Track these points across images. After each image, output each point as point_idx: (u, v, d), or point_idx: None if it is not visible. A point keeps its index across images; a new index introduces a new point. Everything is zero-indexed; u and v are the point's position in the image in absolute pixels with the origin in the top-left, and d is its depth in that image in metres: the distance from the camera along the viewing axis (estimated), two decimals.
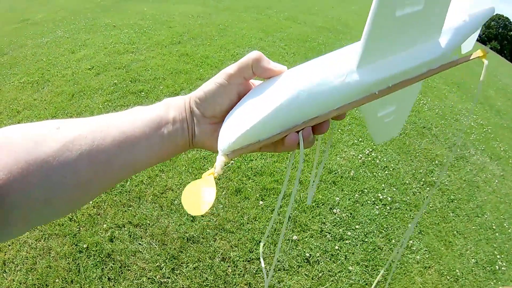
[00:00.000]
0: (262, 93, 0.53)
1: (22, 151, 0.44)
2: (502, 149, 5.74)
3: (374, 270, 2.80)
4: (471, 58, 0.56)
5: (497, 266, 3.26)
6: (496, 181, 4.69)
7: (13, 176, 0.42)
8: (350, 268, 2.77)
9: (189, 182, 0.54)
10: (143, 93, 4.57)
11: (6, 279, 2.34)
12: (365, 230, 3.14)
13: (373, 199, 3.54)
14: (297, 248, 2.80)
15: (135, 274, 2.43)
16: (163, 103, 0.58)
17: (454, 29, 0.57)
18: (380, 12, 0.45)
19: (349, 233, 3.05)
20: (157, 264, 2.51)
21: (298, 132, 0.51)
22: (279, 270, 2.62)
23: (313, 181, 0.68)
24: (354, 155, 4.07)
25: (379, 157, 4.23)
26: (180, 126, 0.56)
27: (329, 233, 3.00)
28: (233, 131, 0.51)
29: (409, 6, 0.46)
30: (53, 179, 0.45)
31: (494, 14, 0.62)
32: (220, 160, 0.52)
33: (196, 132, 0.57)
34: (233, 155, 0.52)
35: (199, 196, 0.49)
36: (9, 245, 2.53)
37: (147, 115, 0.54)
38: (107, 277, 2.40)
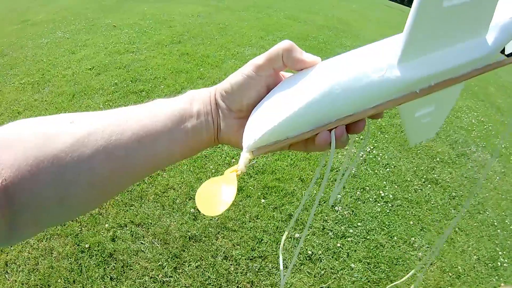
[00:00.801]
0: (292, 86, 0.50)
1: (32, 147, 0.42)
2: (503, 146, 5.74)
3: (376, 268, 2.80)
4: None
5: (499, 263, 3.25)
6: (498, 178, 4.68)
7: (22, 174, 0.40)
8: (352, 265, 2.76)
9: (207, 180, 0.51)
10: (143, 92, 4.57)
11: (8, 280, 2.34)
12: (367, 227, 3.14)
13: (375, 197, 3.54)
14: (300, 246, 2.79)
15: (137, 273, 2.43)
16: (186, 95, 0.55)
17: (501, 26, 0.50)
18: (426, 2, 0.41)
19: (351, 231, 3.05)
20: (159, 263, 2.51)
21: (330, 130, 0.48)
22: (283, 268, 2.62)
23: (339, 182, 0.66)
24: (355, 152, 4.07)
25: (381, 154, 4.23)
26: (204, 119, 0.53)
27: (331, 231, 3.00)
28: (259, 126, 0.48)
29: None
30: (66, 177, 0.43)
31: None
32: (244, 157, 0.49)
33: (221, 127, 0.54)
34: (259, 153, 0.49)
35: (217, 195, 0.47)
36: (11, 246, 2.53)
37: (169, 108, 0.52)
38: (109, 276, 2.40)
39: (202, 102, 0.53)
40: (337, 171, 3.74)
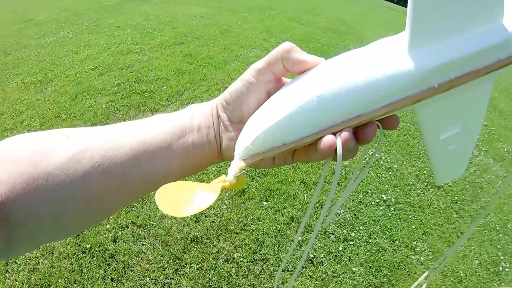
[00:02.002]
0: (292, 86, 0.45)
1: (27, 163, 0.41)
2: (505, 150, 5.72)
3: (378, 272, 2.80)
4: None
5: (500, 268, 3.24)
6: (500, 182, 4.67)
7: (17, 191, 0.39)
8: (354, 269, 2.76)
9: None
10: (146, 93, 4.57)
11: (8, 279, 2.34)
12: (369, 231, 3.14)
13: (377, 200, 3.53)
14: (301, 249, 2.79)
15: (138, 274, 2.43)
16: (188, 109, 0.53)
17: None
18: None
19: (353, 234, 3.05)
20: (161, 264, 2.50)
21: (335, 134, 0.41)
22: (282, 271, 2.62)
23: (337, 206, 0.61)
24: (358, 155, 4.06)
25: (383, 158, 4.22)
26: (206, 133, 0.50)
27: (333, 234, 3.00)
28: (252, 130, 0.44)
29: None
30: (60, 195, 0.41)
31: None
32: (235, 165, 0.45)
33: (223, 140, 0.51)
34: (252, 161, 0.44)
35: (189, 197, 0.42)
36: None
37: (169, 122, 0.49)
38: (110, 277, 2.40)
39: (204, 115, 0.51)
40: (345, 176, 3.73)
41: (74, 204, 0.43)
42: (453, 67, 0.39)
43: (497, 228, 3.73)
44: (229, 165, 0.47)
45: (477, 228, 3.64)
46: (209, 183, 0.46)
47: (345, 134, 0.41)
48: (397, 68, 0.39)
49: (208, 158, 0.52)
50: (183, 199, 0.42)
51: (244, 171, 0.47)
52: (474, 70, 0.40)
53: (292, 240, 2.84)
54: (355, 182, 0.59)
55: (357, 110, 0.40)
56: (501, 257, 3.36)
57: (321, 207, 3.19)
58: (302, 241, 2.85)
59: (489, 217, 3.86)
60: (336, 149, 0.41)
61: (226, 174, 0.46)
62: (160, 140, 0.47)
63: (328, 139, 0.41)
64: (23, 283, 2.31)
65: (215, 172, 3.33)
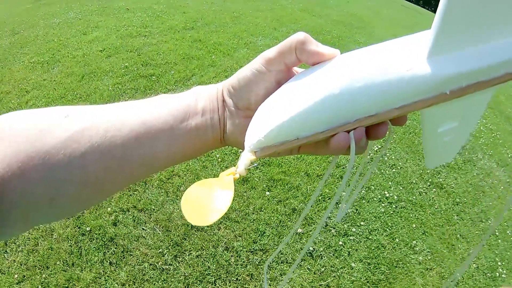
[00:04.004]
0: (306, 80, 0.44)
1: (23, 142, 0.39)
2: (509, 155, 5.71)
3: (376, 268, 2.80)
4: None
5: (497, 273, 3.24)
6: (502, 187, 4.67)
7: (12, 170, 0.38)
8: (352, 264, 2.76)
9: (198, 180, 0.45)
10: (154, 77, 4.56)
11: (7, 259, 2.34)
12: (370, 227, 3.13)
13: (379, 197, 3.53)
14: (301, 241, 2.79)
15: (137, 259, 2.43)
16: (192, 91, 0.51)
17: None
18: None
19: (353, 229, 3.04)
20: (160, 250, 2.50)
21: (348, 132, 0.42)
22: (281, 262, 2.62)
23: (347, 198, 0.61)
24: (367, 154, 4.05)
25: (388, 154, 4.21)
26: (210, 117, 0.49)
27: (334, 228, 3.00)
28: (265, 122, 0.43)
29: None
30: (57, 175, 0.40)
31: None
32: (246, 157, 0.44)
33: (227, 126, 0.50)
34: (263, 154, 0.44)
35: (209, 200, 0.41)
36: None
37: (172, 103, 0.48)
38: (108, 261, 2.40)
39: (208, 99, 0.50)
40: (343, 168, 3.73)
41: (71, 185, 0.42)
42: (467, 77, 0.40)
43: (496, 233, 3.73)
44: (234, 152, 0.46)
45: (476, 232, 3.64)
46: (217, 175, 0.45)
47: (359, 133, 0.42)
48: (416, 73, 0.39)
49: (210, 142, 0.51)
50: (205, 205, 0.42)
51: (255, 164, 0.47)
52: (484, 81, 0.41)
53: (293, 232, 2.84)
54: (364, 178, 0.61)
55: (372, 109, 0.41)
56: (499, 263, 3.36)
57: (324, 201, 3.19)
58: (302, 233, 2.85)
59: (490, 222, 3.86)
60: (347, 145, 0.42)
61: (234, 166, 0.45)
62: (162, 122, 0.46)
63: (342, 137, 0.41)
64: (21, 264, 2.32)
65: (219, 160, 3.33)
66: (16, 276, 2.27)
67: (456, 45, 0.40)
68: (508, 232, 3.82)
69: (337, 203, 2.97)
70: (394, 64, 0.40)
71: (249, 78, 0.48)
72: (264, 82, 0.48)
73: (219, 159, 3.34)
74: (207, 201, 0.42)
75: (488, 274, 3.20)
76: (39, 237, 2.48)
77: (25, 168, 0.39)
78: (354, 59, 0.43)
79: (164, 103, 0.48)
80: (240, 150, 0.50)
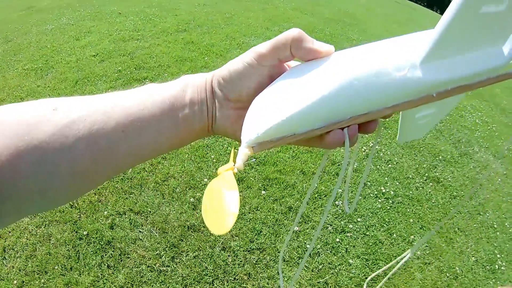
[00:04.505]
0: (303, 77, 0.45)
1: (13, 136, 0.40)
2: (506, 147, 5.72)
3: (375, 264, 2.80)
4: None
5: (496, 266, 3.25)
6: (499, 179, 4.68)
7: (2, 163, 0.39)
8: (350, 261, 2.76)
9: (206, 187, 0.45)
10: (147, 80, 4.56)
11: (5, 265, 2.34)
12: (367, 223, 3.14)
13: (376, 192, 3.53)
14: (298, 239, 2.79)
15: (135, 262, 2.43)
16: (180, 80, 0.51)
17: None
18: (468, 4, 0.39)
19: (350, 226, 3.05)
20: (157, 252, 2.50)
21: (342, 129, 0.44)
22: (279, 261, 2.62)
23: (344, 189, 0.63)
24: (358, 147, 4.06)
25: (383, 150, 4.22)
26: (198, 108, 0.49)
27: (331, 225, 3.00)
28: (263, 119, 0.43)
29: (495, 4, 0.42)
30: (46, 168, 0.41)
31: None
32: (243, 153, 0.43)
33: (217, 117, 0.50)
34: (260, 148, 0.44)
35: (222, 206, 0.41)
36: (10, 232, 2.53)
37: (159, 95, 0.48)
38: (106, 264, 2.40)
39: (197, 89, 0.50)
40: (339, 165, 3.73)
41: (60, 177, 0.42)
42: (454, 82, 0.46)
43: (495, 226, 3.73)
44: (228, 153, 0.47)
45: (474, 225, 3.64)
46: (212, 176, 0.46)
47: (353, 131, 0.44)
48: (409, 77, 0.43)
49: (197, 133, 0.51)
50: (220, 212, 0.42)
51: (253, 159, 0.48)
52: (468, 84, 0.48)
53: (289, 230, 2.84)
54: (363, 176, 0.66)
55: (366, 108, 0.44)
56: (498, 255, 3.36)
57: (320, 198, 3.19)
58: (299, 231, 2.86)
59: (487, 215, 3.87)
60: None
61: (229, 161, 0.45)
62: (148, 115, 0.46)
63: (337, 134, 0.44)
64: (20, 270, 2.32)
65: (214, 160, 3.33)
66: (15, 282, 2.27)
67: (447, 54, 0.44)
68: (506, 224, 3.83)
69: (334, 201, 2.97)
70: (388, 66, 0.42)
71: (241, 72, 0.48)
72: (256, 76, 0.48)
73: (214, 160, 3.34)
74: (220, 208, 0.42)
75: (488, 266, 3.21)
76: (37, 243, 2.48)
77: (15, 162, 0.39)
78: (349, 59, 0.44)
79: (151, 95, 0.48)
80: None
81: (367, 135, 4.21)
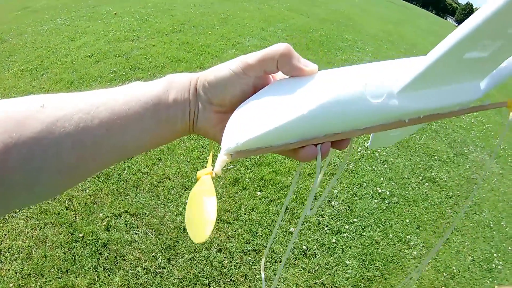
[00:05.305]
0: (285, 93, 0.47)
1: (2, 132, 0.40)
2: (501, 147, 5.74)
3: (371, 265, 2.80)
4: (498, 106, 0.58)
5: (493, 265, 3.26)
6: (495, 179, 4.69)
7: None
8: (347, 261, 2.76)
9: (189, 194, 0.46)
10: (142, 81, 4.54)
11: (1, 268, 2.33)
12: (363, 223, 3.14)
13: (372, 193, 3.54)
14: (294, 240, 2.79)
15: (131, 264, 2.43)
16: (165, 80, 0.51)
17: (494, 73, 0.56)
18: (452, 52, 0.42)
19: (346, 227, 3.05)
20: (153, 254, 2.50)
21: (316, 145, 0.47)
22: (275, 262, 2.62)
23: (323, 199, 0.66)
24: (353, 147, 4.07)
25: (379, 150, 4.23)
26: (181, 109, 0.50)
27: (327, 226, 3.00)
28: (244, 130, 0.45)
29: (478, 52, 0.45)
30: (34, 163, 0.42)
31: None
32: (222, 159, 0.45)
33: (198, 118, 0.51)
34: (238, 156, 0.46)
35: (201, 214, 0.42)
36: (5, 234, 2.52)
37: (144, 94, 0.48)
38: (102, 266, 2.39)
39: (181, 89, 0.51)
40: (334, 165, 3.73)
41: (47, 173, 0.43)
42: (427, 111, 0.50)
43: (491, 225, 3.74)
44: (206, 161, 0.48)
45: (471, 225, 3.66)
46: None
47: (326, 148, 0.47)
48: (385, 105, 0.46)
49: (179, 132, 0.52)
50: (199, 220, 0.43)
51: (231, 166, 0.49)
52: (441, 114, 0.52)
53: (285, 231, 2.84)
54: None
55: (340, 129, 0.46)
56: (495, 255, 3.37)
57: (315, 198, 3.19)
58: (294, 231, 2.86)
59: (483, 214, 3.88)
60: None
61: (206, 166, 0.47)
62: (132, 114, 0.47)
63: (311, 150, 0.46)
64: (16, 273, 2.31)
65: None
66: (11, 285, 2.26)
67: (425, 86, 0.48)
68: (502, 223, 3.84)
69: (330, 201, 2.98)
70: (366, 92, 0.45)
71: (226, 79, 0.48)
72: (240, 85, 0.49)
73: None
74: (199, 216, 0.43)
75: (484, 266, 3.22)
76: (33, 245, 2.47)
77: (3, 157, 0.40)
78: (330, 81, 0.46)
79: (135, 94, 0.49)
80: (206, 140, 0.52)
81: (363, 135, 4.21)
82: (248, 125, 0.45)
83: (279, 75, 0.53)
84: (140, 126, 0.47)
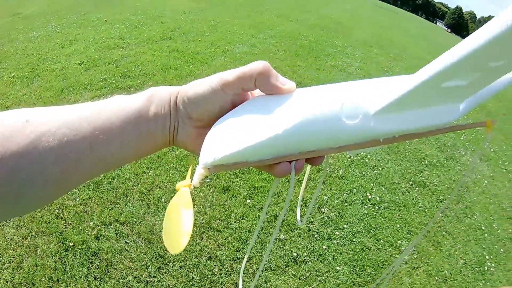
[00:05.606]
0: (262, 111, 0.48)
1: None
2: (492, 150, 5.77)
3: (362, 270, 2.80)
4: (477, 126, 0.57)
5: (485, 267, 3.27)
6: (486, 182, 4.71)
7: None
8: (337, 268, 2.76)
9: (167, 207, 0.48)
10: (132, 88, 4.56)
11: None
12: (353, 229, 3.14)
13: (362, 199, 3.54)
14: (285, 248, 2.79)
15: (121, 273, 2.42)
16: (146, 94, 0.52)
17: (474, 95, 0.57)
18: (430, 82, 0.43)
19: (337, 233, 3.05)
20: (143, 263, 2.49)
21: (290, 161, 0.48)
22: (265, 269, 2.62)
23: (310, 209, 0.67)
24: (343, 153, 4.07)
25: (369, 156, 4.23)
26: (161, 123, 0.51)
27: (317, 233, 3.00)
28: (221, 146, 0.47)
29: (457, 81, 0.45)
30: (20, 177, 0.43)
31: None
32: (200, 172, 0.47)
33: (178, 132, 0.53)
34: (215, 170, 0.48)
35: (178, 225, 0.45)
36: None
37: (125, 109, 0.49)
38: (93, 275, 2.38)
39: (162, 104, 0.52)
40: (330, 174, 3.74)
41: (32, 186, 0.44)
42: (403, 132, 0.50)
43: (483, 228, 3.76)
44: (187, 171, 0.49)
45: (462, 228, 3.67)
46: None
47: (299, 165, 0.48)
48: (359, 125, 0.46)
49: (160, 145, 0.54)
50: (175, 231, 0.45)
51: (208, 179, 0.50)
52: (417, 134, 0.52)
53: (276, 239, 2.84)
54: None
55: (315, 147, 0.47)
56: (487, 257, 3.38)
57: (306, 206, 3.20)
58: (285, 239, 2.85)
59: (475, 217, 3.89)
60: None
61: (185, 178, 0.49)
62: (114, 128, 0.48)
63: (285, 166, 0.48)
64: (7, 282, 2.30)
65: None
66: None
67: (402, 109, 0.48)
68: (494, 225, 3.86)
69: (320, 208, 2.98)
70: (342, 113, 0.46)
71: (205, 96, 0.50)
72: (219, 102, 0.51)
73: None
74: (175, 227, 0.45)
75: (477, 268, 3.23)
76: (24, 254, 2.46)
77: None
78: (307, 100, 0.47)
79: (117, 109, 0.49)
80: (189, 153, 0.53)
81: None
82: (225, 141, 0.47)
83: (257, 91, 0.53)
84: (122, 140, 0.48)
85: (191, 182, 0.47)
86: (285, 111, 0.46)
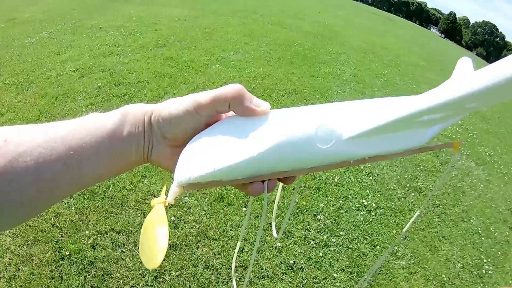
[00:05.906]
0: (236, 132, 0.49)
1: None
2: (487, 154, 5.79)
3: (359, 277, 2.80)
4: (445, 147, 0.61)
5: (483, 270, 3.28)
6: (482, 185, 4.72)
7: None
8: (334, 275, 2.76)
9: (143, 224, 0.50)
10: (126, 96, 4.56)
11: None
12: (350, 236, 3.14)
13: (358, 205, 3.55)
14: (281, 255, 2.78)
15: (118, 282, 2.41)
16: (120, 113, 0.53)
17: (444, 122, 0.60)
18: (406, 119, 0.44)
19: (333, 240, 3.05)
20: (140, 271, 2.48)
21: (263, 181, 0.50)
22: (262, 277, 2.61)
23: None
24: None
25: None
26: (135, 142, 0.52)
27: (313, 240, 3.00)
28: (195, 165, 0.48)
29: (429, 116, 0.46)
30: None
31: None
32: (174, 190, 0.49)
33: (152, 151, 0.54)
34: (189, 189, 0.49)
35: (154, 242, 0.46)
36: None
37: (99, 129, 0.50)
38: (90, 285, 2.37)
39: (135, 123, 0.52)
40: (319, 179, 3.73)
41: (10, 205, 0.45)
42: (373, 154, 0.52)
43: (480, 231, 3.77)
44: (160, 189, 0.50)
45: (459, 232, 3.67)
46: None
47: (272, 184, 0.50)
48: (332, 149, 0.48)
49: (135, 163, 0.54)
50: (151, 247, 0.46)
51: (184, 197, 0.51)
52: (385, 155, 0.54)
53: (272, 246, 2.84)
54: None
55: (287, 167, 0.49)
56: (484, 260, 3.39)
57: (301, 213, 3.19)
58: (281, 247, 2.85)
59: (471, 221, 3.90)
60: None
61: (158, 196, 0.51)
62: (88, 148, 0.48)
63: (258, 186, 0.49)
64: None
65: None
66: None
67: (374, 136, 0.50)
68: (491, 229, 3.87)
69: (315, 215, 2.97)
70: (315, 138, 0.48)
71: (179, 117, 0.51)
72: (193, 123, 0.52)
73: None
74: (151, 243, 0.46)
75: (474, 272, 3.24)
76: (20, 263, 2.45)
77: None
78: (281, 124, 0.49)
79: (91, 128, 0.50)
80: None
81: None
82: (199, 160, 0.48)
83: (232, 113, 0.54)
84: (96, 159, 0.49)
85: (165, 199, 0.49)
86: (259, 134, 0.48)
